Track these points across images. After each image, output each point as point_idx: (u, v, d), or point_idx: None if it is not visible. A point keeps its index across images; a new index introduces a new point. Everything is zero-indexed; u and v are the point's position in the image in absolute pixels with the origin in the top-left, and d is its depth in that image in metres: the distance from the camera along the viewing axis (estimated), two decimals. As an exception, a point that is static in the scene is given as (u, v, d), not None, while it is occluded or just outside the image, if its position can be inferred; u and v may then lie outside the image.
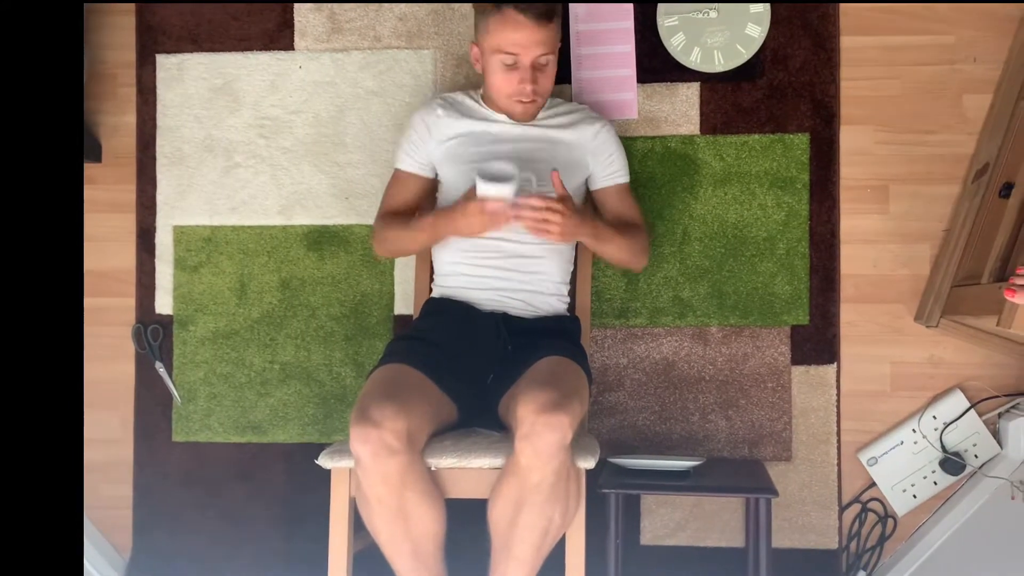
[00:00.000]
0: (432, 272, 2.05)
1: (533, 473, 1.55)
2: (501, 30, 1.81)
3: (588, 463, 1.67)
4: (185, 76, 2.28)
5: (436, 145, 1.95)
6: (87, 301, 2.29)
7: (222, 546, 2.24)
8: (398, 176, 2.01)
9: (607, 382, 2.18)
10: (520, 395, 1.58)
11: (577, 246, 2.05)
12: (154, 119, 2.29)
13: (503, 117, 1.95)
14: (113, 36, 2.31)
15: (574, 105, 2.04)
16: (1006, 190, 1.83)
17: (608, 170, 2.00)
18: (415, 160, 1.98)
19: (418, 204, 2.02)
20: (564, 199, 1.74)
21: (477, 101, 1.98)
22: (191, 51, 2.28)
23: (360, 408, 1.58)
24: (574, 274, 2.07)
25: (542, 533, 1.60)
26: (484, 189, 1.68)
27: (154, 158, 2.29)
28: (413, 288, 2.14)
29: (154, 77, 2.29)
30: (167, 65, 2.29)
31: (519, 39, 1.80)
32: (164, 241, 2.28)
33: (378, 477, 1.57)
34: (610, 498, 1.84)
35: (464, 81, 2.22)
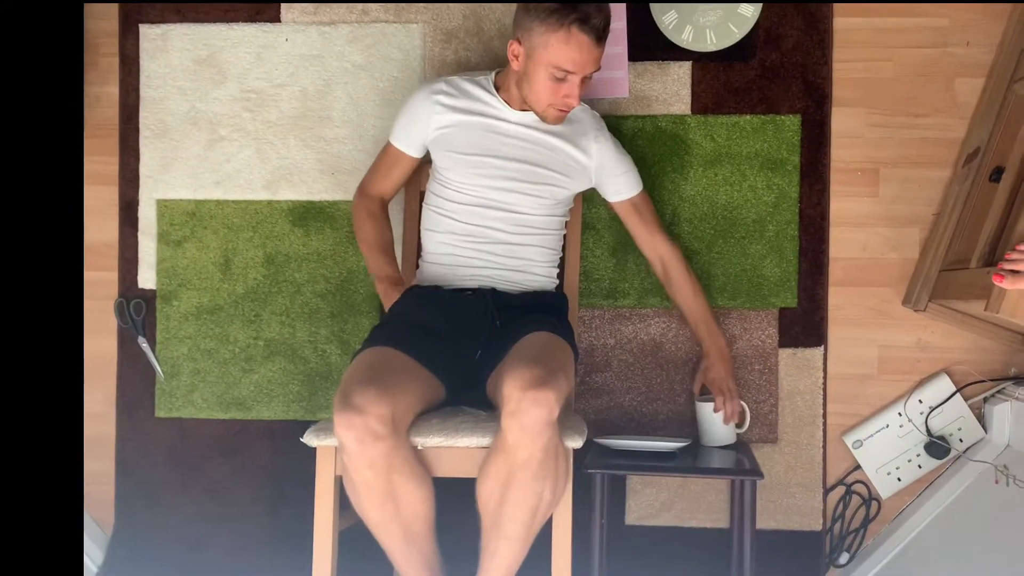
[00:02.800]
0: (419, 251, 2.04)
1: (521, 450, 1.54)
2: (564, 49, 1.74)
3: (576, 442, 1.67)
4: (169, 47, 2.24)
5: (433, 131, 1.92)
6: (68, 275, 2.26)
7: (205, 523, 2.23)
8: (390, 151, 1.99)
9: (594, 362, 2.17)
10: (506, 372, 1.57)
11: (567, 239, 2.06)
12: (137, 90, 2.25)
13: (512, 112, 1.90)
14: (95, 5, 2.26)
15: (588, 113, 1.99)
16: (996, 175, 1.83)
17: (618, 185, 2.00)
18: (408, 141, 1.96)
19: (403, 181, 2.02)
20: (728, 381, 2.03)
21: (488, 89, 1.92)
22: (175, 21, 2.24)
23: (343, 394, 1.56)
24: (562, 256, 2.06)
25: (532, 510, 1.59)
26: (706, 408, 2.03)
27: (137, 130, 2.25)
28: (400, 264, 2.12)
29: (137, 47, 2.25)
30: (151, 35, 2.24)
31: (580, 59, 1.75)
32: (147, 215, 2.25)
33: (364, 462, 1.55)
34: (595, 478, 1.83)
35: (453, 56, 2.19)
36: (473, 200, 1.90)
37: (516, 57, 1.82)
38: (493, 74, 1.94)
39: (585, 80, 1.81)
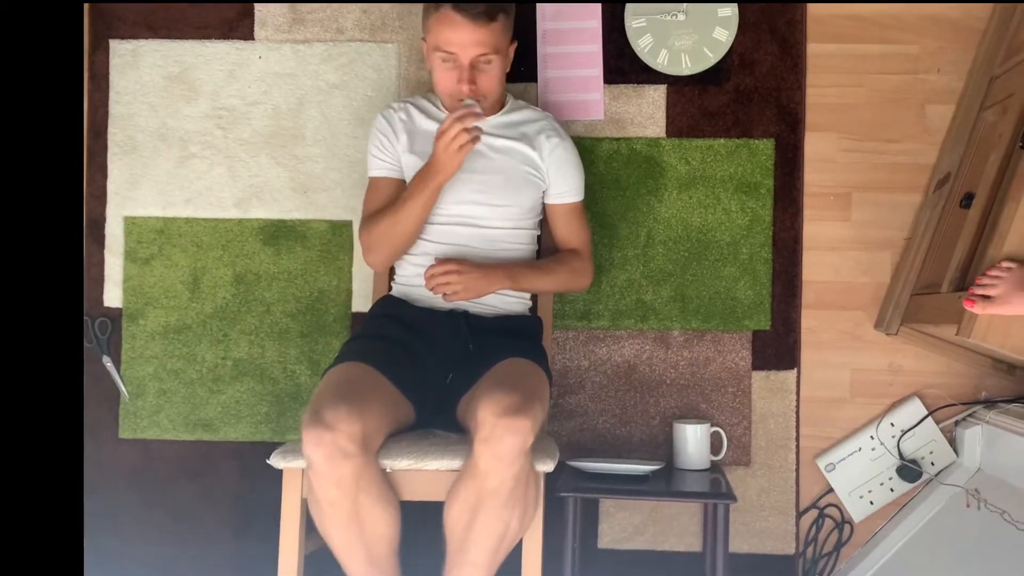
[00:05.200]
0: (390, 272, 2.01)
1: (491, 477, 1.52)
2: (439, 28, 1.77)
3: (547, 466, 1.65)
4: (140, 63, 2.22)
5: (401, 145, 1.92)
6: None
7: (170, 546, 2.18)
8: (374, 184, 1.95)
9: (568, 384, 2.16)
10: (481, 397, 1.55)
11: (540, 252, 2.03)
12: (106, 106, 2.22)
13: None
14: (66, 19, 2.23)
15: (539, 113, 1.99)
16: (967, 200, 1.85)
17: (559, 188, 1.95)
18: (386, 163, 1.93)
19: None
20: (457, 260, 1.81)
21: (435, 104, 1.95)
22: (146, 37, 2.22)
23: (313, 410, 1.54)
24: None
25: (499, 537, 1.57)
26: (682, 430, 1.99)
27: (105, 146, 2.22)
28: (372, 285, 2.10)
29: (107, 63, 2.22)
30: (121, 51, 2.22)
31: (455, 38, 1.76)
32: (114, 232, 2.21)
33: (331, 481, 1.53)
34: (568, 501, 1.82)
35: (428, 77, 2.18)
36: (442, 219, 1.88)
37: (426, 57, 1.87)
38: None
39: (479, 67, 1.79)
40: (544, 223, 2.03)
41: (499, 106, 1.94)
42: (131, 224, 2.21)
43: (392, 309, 1.89)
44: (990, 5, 2.11)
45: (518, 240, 1.93)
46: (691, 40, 2.14)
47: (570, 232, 1.98)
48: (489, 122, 1.91)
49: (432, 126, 1.90)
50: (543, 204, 1.98)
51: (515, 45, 1.91)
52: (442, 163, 1.74)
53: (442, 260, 1.81)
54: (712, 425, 2.07)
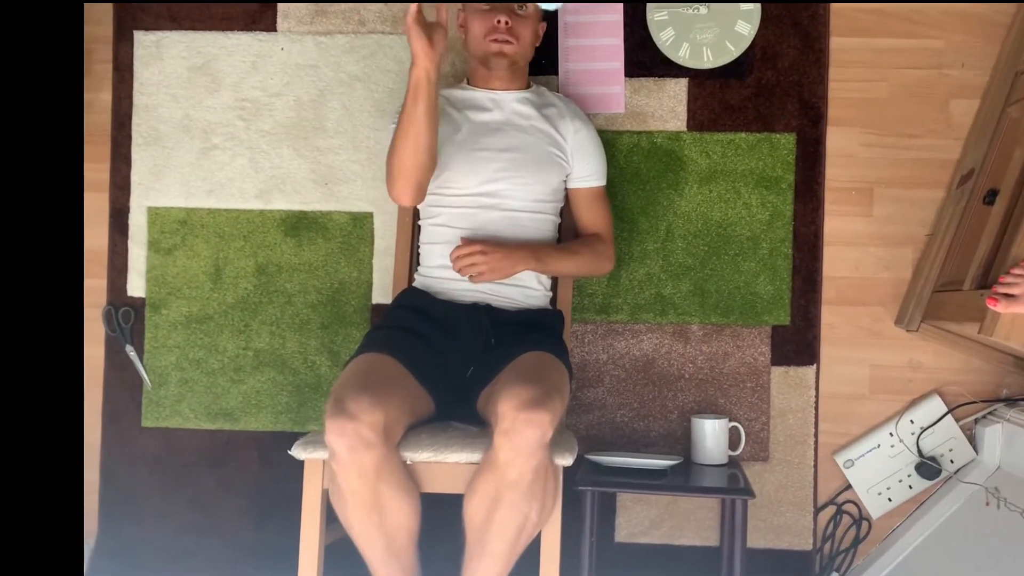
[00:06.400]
0: (411, 263, 2.02)
1: (511, 469, 1.53)
2: None
3: (566, 460, 1.65)
4: (163, 54, 2.23)
5: None
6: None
7: (190, 534, 2.20)
8: None
9: (587, 378, 2.16)
10: (501, 390, 1.56)
11: (559, 242, 2.04)
12: (130, 97, 2.23)
13: (482, 94, 1.95)
14: (89, 10, 2.25)
15: (562, 100, 2.03)
16: (990, 197, 1.83)
17: (582, 172, 1.98)
18: None
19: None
20: (482, 240, 1.82)
21: (463, 88, 1.99)
22: (170, 28, 2.23)
23: (336, 399, 1.55)
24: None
25: (517, 530, 1.58)
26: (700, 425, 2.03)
27: (129, 137, 2.23)
28: (392, 277, 2.11)
29: (131, 54, 2.23)
30: (145, 42, 2.23)
31: None
32: (138, 222, 2.23)
33: (353, 470, 1.54)
34: (586, 495, 1.82)
35: (449, 69, 2.19)
36: (468, 202, 1.89)
37: (462, 27, 1.96)
38: (466, 79, 2.03)
39: (516, 14, 1.89)
40: (565, 212, 2.04)
41: (523, 81, 1.99)
42: (154, 214, 2.23)
43: (414, 301, 1.90)
44: None
45: (540, 225, 1.94)
46: (713, 34, 2.13)
47: (593, 216, 2.00)
48: (513, 96, 1.96)
49: (460, 115, 1.94)
50: (565, 190, 1.99)
51: (544, 26, 2.00)
52: (412, 50, 1.72)
53: (467, 240, 1.83)
54: (730, 420, 2.07)
